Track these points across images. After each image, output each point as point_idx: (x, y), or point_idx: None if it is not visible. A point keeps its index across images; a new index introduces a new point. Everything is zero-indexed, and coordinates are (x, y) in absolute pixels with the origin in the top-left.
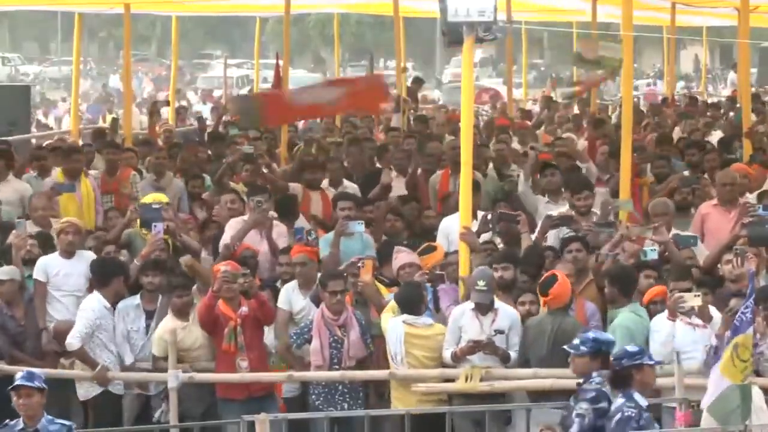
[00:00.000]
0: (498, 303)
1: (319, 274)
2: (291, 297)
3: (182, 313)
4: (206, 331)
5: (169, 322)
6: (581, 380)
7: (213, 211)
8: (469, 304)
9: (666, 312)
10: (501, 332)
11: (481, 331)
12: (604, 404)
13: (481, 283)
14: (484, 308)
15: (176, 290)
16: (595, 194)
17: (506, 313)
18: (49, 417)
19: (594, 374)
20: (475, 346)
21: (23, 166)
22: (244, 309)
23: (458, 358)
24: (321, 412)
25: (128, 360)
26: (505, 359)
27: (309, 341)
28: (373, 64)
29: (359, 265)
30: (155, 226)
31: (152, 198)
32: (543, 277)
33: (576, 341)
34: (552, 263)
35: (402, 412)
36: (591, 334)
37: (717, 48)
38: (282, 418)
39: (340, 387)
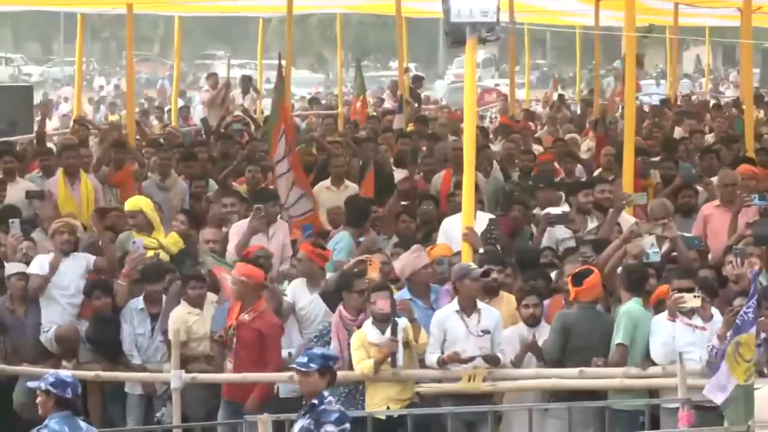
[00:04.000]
0: (480, 303)
1: (328, 274)
2: (296, 291)
3: (196, 303)
4: None
5: (180, 310)
6: (315, 401)
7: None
8: (454, 306)
9: (666, 312)
10: (487, 332)
11: (468, 332)
12: (347, 425)
13: (473, 264)
14: (468, 309)
15: (190, 281)
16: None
17: (489, 312)
18: (54, 419)
19: (325, 393)
20: (466, 360)
21: (28, 164)
22: (245, 317)
23: (445, 364)
24: None
25: (136, 361)
26: (495, 364)
27: (329, 343)
28: (361, 69)
29: (368, 263)
30: (134, 242)
31: (131, 204)
32: (577, 270)
33: (304, 359)
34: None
35: (405, 412)
36: (318, 351)
37: (720, 49)
38: (285, 418)
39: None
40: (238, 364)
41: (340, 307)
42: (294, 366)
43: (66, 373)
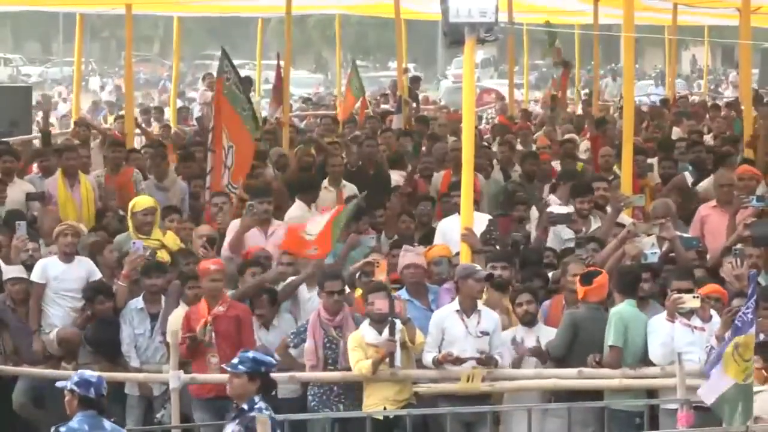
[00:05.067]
0: (480, 305)
1: None
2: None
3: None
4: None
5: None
6: (245, 405)
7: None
8: (454, 306)
9: (665, 313)
10: (486, 333)
11: (467, 333)
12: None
13: (477, 266)
14: (469, 310)
15: (189, 281)
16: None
17: (489, 314)
18: (78, 417)
19: (256, 398)
20: (458, 360)
21: (26, 166)
22: (221, 308)
23: (440, 364)
24: (320, 413)
25: (134, 363)
26: (492, 366)
27: (306, 341)
28: (357, 70)
29: (375, 265)
30: (134, 243)
31: (144, 203)
32: (586, 270)
33: (235, 360)
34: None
35: (403, 413)
36: (251, 354)
37: (719, 49)
38: (283, 418)
39: (336, 388)
40: (223, 358)
41: (319, 306)
42: (223, 366)
43: (91, 372)
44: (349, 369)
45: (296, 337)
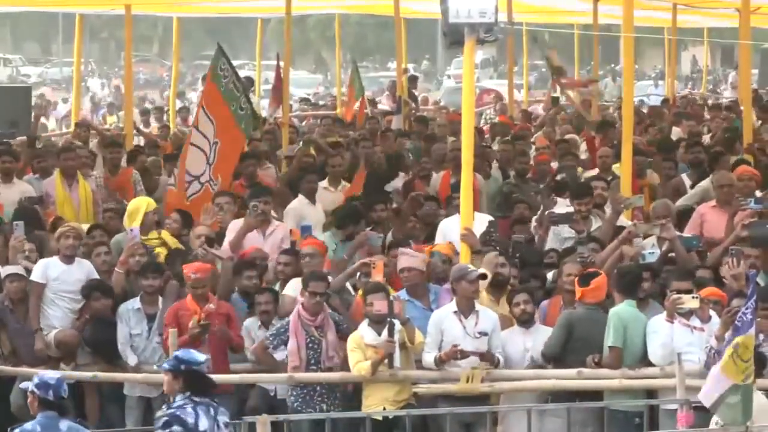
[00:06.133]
0: (478, 306)
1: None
2: (298, 288)
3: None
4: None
5: None
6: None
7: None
8: (452, 307)
9: (664, 313)
10: (485, 334)
11: (465, 333)
12: (175, 426)
13: (470, 267)
14: (466, 311)
15: None
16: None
17: (487, 314)
18: (37, 418)
19: (178, 396)
20: (464, 354)
21: (25, 166)
22: (211, 306)
23: (442, 362)
24: (321, 414)
25: (132, 362)
26: (494, 364)
27: (285, 342)
28: (358, 71)
29: (372, 266)
30: (131, 230)
31: (154, 203)
32: (585, 271)
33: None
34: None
35: (402, 413)
36: (177, 352)
37: (718, 50)
38: (284, 419)
39: (318, 388)
40: (214, 353)
41: (299, 306)
42: (157, 365)
43: (52, 374)
44: (330, 369)
45: (275, 338)
